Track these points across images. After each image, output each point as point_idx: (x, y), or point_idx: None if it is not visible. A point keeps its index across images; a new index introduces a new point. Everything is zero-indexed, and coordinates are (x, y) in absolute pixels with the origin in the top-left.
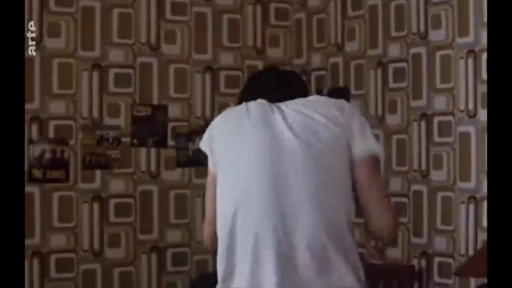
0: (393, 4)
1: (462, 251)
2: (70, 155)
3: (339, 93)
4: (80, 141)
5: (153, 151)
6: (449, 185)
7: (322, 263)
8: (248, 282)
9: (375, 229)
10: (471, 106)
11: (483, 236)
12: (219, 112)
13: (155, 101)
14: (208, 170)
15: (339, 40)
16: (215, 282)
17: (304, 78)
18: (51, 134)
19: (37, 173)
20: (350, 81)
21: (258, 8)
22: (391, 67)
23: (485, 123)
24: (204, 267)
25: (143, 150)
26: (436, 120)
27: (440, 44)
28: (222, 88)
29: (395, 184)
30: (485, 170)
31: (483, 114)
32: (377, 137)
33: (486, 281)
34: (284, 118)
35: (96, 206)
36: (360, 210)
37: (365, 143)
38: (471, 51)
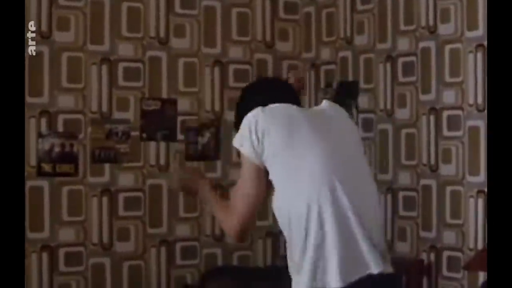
0: None
1: (471, 245)
2: (79, 149)
3: (348, 87)
4: (89, 135)
5: (162, 145)
6: (458, 179)
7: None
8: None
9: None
10: (480, 100)
11: None
12: (228, 106)
13: (164, 95)
14: (249, 165)
15: (348, 34)
16: (224, 276)
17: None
18: (60, 128)
19: (46, 167)
20: (359, 75)
21: (268, 2)
22: (400, 61)
23: None
24: (213, 260)
25: (152, 144)
26: (445, 114)
27: (449, 38)
28: (231, 82)
29: (404, 178)
30: None
31: None
32: (386, 131)
33: None
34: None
35: (105, 200)
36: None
37: None
38: (480, 45)
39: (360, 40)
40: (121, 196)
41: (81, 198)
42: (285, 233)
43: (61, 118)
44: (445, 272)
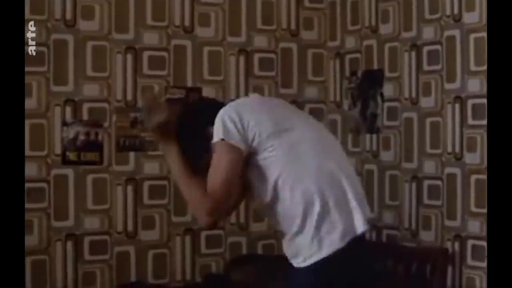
0: None
1: None
2: (104, 138)
3: (373, 76)
4: (114, 123)
5: None
6: (483, 167)
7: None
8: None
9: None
10: None
11: None
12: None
13: (189, 84)
14: (236, 151)
15: (373, 23)
16: (249, 264)
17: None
18: (85, 117)
19: (71, 156)
20: (384, 63)
21: None
22: (425, 49)
23: None
24: (237, 249)
25: None
26: (470, 102)
27: (474, 27)
28: (256, 70)
29: (429, 167)
30: None
31: None
32: (411, 120)
33: None
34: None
35: (130, 188)
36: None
37: None
38: None
39: (385, 29)
40: (146, 185)
41: (106, 186)
42: (282, 209)
43: (86, 106)
44: (469, 261)
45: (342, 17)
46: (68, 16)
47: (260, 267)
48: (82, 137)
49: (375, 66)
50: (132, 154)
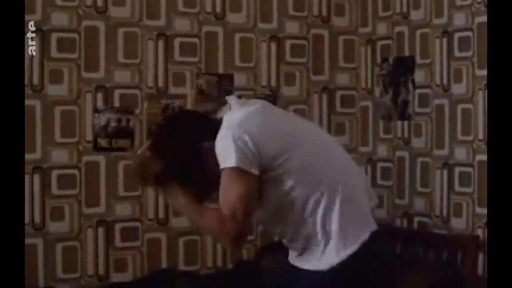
0: None
1: None
2: (135, 124)
3: (405, 62)
4: (145, 110)
5: None
6: None
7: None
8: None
9: None
10: None
11: None
12: (285, 81)
13: (220, 70)
14: (253, 176)
15: (405, 9)
16: (279, 252)
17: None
18: (116, 103)
19: (102, 142)
20: (416, 50)
21: None
22: (456, 36)
23: None
24: (268, 236)
25: None
26: None
27: None
28: (287, 57)
29: (460, 154)
30: None
31: None
32: (442, 106)
33: None
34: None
35: None
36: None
37: None
38: None
39: (416, 15)
40: None
41: None
42: (294, 219)
43: (117, 93)
44: None
45: (374, 4)
46: (99, 2)
47: None
48: (113, 124)
49: (407, 53)
50: None
